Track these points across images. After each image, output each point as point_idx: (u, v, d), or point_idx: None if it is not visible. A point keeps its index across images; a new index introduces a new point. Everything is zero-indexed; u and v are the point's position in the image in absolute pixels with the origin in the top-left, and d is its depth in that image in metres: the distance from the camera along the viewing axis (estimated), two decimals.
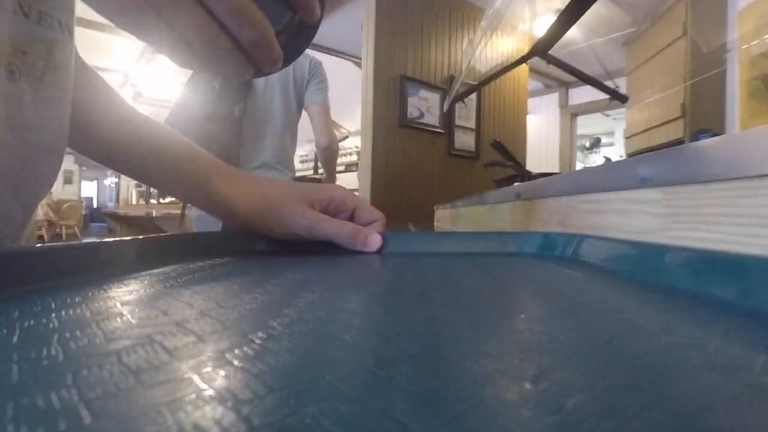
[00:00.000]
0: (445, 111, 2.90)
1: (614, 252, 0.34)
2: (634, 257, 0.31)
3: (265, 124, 1.53)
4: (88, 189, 16.26)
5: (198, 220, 1.68)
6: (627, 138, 3.39)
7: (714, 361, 0.12)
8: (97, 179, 16.61)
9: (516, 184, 0.96)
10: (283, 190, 0.48)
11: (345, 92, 4.24)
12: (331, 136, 1.71)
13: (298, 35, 0.28)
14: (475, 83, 2.14)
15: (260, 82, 1.49)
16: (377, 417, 0.09)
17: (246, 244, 0.47)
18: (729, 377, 0.11)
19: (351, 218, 0.49)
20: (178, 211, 1.99)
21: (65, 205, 9.47)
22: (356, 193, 2.61)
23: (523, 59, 1.80)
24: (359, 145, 3.03)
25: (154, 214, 2.83)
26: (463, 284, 0.26)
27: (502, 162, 1.62)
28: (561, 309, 0.19)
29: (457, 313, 0.19)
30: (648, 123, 2.99)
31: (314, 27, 0.28)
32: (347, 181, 4.71)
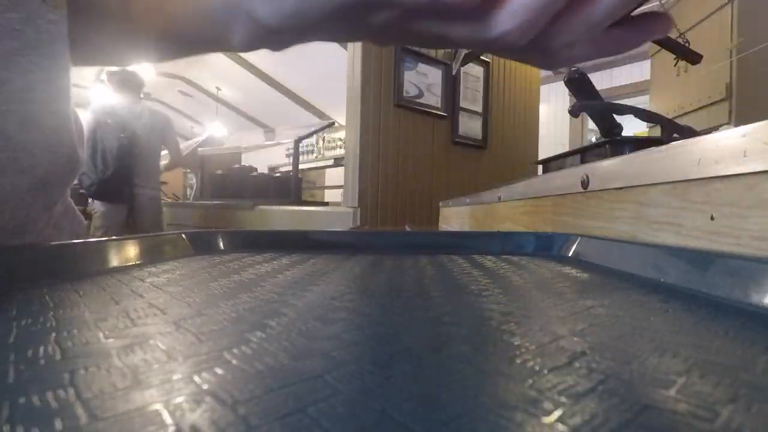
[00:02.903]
0: (454, 72, 2.48)
1: (612, 252, 0.34)
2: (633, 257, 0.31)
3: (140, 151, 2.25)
4: None
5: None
6: (650, 129, 2.54)
7: (714, 361, 0.12)
8: None
9: (602, 162, 0.53)
10: None
11: (330, 79, 3.57)
12: (184, 164, 3.05)
13: None
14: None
15: (140, 127, 2.22)
16: (376, 417, 0.09)
17: (250, 241, 0.47)
18: (729, 377, 0.11)
19: None
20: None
21: None
22: (341, 190, 2.44)
23: None
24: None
25: None
26: (463, 284, 0.26)
27: (604, 105, 0.88)
28: (560, 309, 0.19)
29: (456, 312, 0.18)
30: (681, 108, 2.38)
31: None
32: (335, 177, 4.00)
